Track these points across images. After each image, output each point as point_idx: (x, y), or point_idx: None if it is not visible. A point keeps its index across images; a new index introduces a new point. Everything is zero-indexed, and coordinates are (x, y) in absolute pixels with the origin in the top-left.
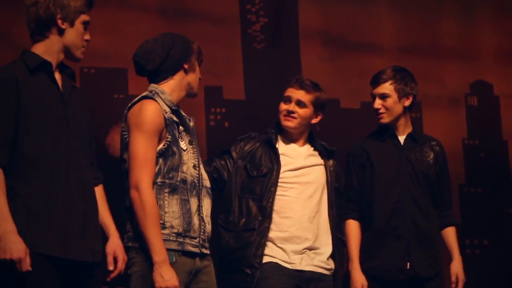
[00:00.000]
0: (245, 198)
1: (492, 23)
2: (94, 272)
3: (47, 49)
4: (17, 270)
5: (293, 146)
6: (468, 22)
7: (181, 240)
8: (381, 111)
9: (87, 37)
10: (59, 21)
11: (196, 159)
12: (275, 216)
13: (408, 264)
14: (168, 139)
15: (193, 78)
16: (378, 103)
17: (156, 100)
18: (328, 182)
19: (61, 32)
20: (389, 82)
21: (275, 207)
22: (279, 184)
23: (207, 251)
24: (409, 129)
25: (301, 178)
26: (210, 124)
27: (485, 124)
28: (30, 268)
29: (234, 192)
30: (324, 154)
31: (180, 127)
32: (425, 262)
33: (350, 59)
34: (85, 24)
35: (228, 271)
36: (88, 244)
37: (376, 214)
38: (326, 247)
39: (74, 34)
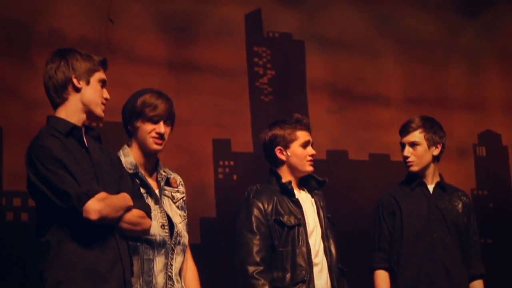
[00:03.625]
0: (286, 251)
1: (499, 74)
2: None
3: (69, 110)
4: None
5: (295, 192)
6: (475, 72)
7: None
8: (410, 159)
9: (106, 95)
10: (75, 80)
11: (165, 219)
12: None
13: None
14: None
15: (141, 137)
16: (408, 151)
17: None
18: (321, 222)
19: (78, 90)
20: (419, 130)
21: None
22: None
23: None
24: (437, 178)
25: (316, 228)
26: (219, 176)
27: (493, 174)
28: None
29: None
30: (314, 185)
31: (141, 190)
32: None
33: (357, 111)
34: (102, 82)
35: None
36: None
37: (407, 261)
38: None
39: (92, 92)
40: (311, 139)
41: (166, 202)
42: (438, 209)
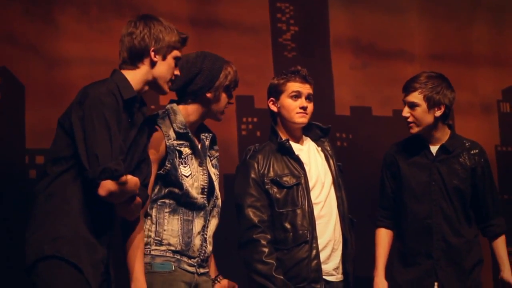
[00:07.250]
0: (286, 212)
1: None
2: None
3: (136, 78)
4: None
5: (297, 146)
6: (500, 28)
7: (178, 257)
8: (409, 120)
9: (176, 72)
10: (152, 53)
11: (206, 181)
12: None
13: (436, 284)
14: (167, 168)
15: (216, 107)
16: (406, 111)
17: (161, 127)
18: (332, 170)
19: (153, 64)
20: (419, 91)
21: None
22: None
23: (204, 270)
24: (443, 139)
25: (319, 181)
26: (242, 133)
27: None
28: None
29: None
30: (319, 134)
31: (186, 151)
32: (455, 280)
33: (381, 67)
34: (176, 59)
35: None
36: None
37: (406, 229)
38: (340, 244)
39: (165, 68)
40: (303, 91)
41: (207, 162)
42: (439, 174)
